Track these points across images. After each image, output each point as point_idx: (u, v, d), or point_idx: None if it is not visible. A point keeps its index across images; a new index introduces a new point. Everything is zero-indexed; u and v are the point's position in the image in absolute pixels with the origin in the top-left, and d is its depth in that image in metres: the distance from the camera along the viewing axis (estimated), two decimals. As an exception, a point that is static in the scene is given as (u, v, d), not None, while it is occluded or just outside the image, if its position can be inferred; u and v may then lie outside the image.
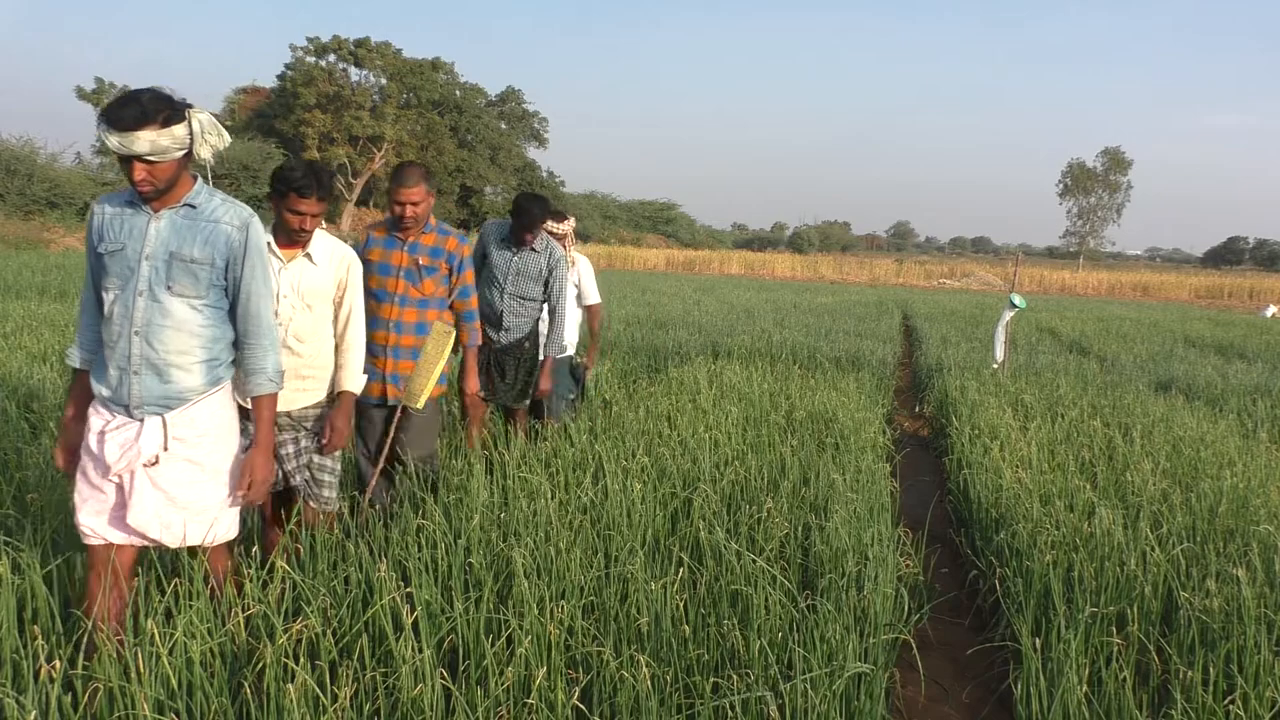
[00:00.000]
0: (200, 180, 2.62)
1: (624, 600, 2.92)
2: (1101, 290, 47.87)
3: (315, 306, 3.22)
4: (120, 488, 2.59)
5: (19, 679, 2.33)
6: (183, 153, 2.47)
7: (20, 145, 32.76)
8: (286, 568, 2.83)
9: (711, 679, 2.53)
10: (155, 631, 2.34)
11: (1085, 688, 2.70)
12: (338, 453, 3.34)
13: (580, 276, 5.66)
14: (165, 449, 2.58)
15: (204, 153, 2.50)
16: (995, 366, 9.16)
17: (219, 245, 2.59)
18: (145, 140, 2.36)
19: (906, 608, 3.35)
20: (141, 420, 2.56)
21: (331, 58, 52.05)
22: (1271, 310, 28.94)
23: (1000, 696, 3.16)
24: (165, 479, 2.58)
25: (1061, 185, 74.04)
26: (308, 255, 3.20)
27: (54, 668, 2.21)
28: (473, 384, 4.34)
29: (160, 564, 2.98)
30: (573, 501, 3.72)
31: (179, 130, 2.42)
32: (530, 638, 2.51)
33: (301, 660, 2.33)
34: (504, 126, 60.37)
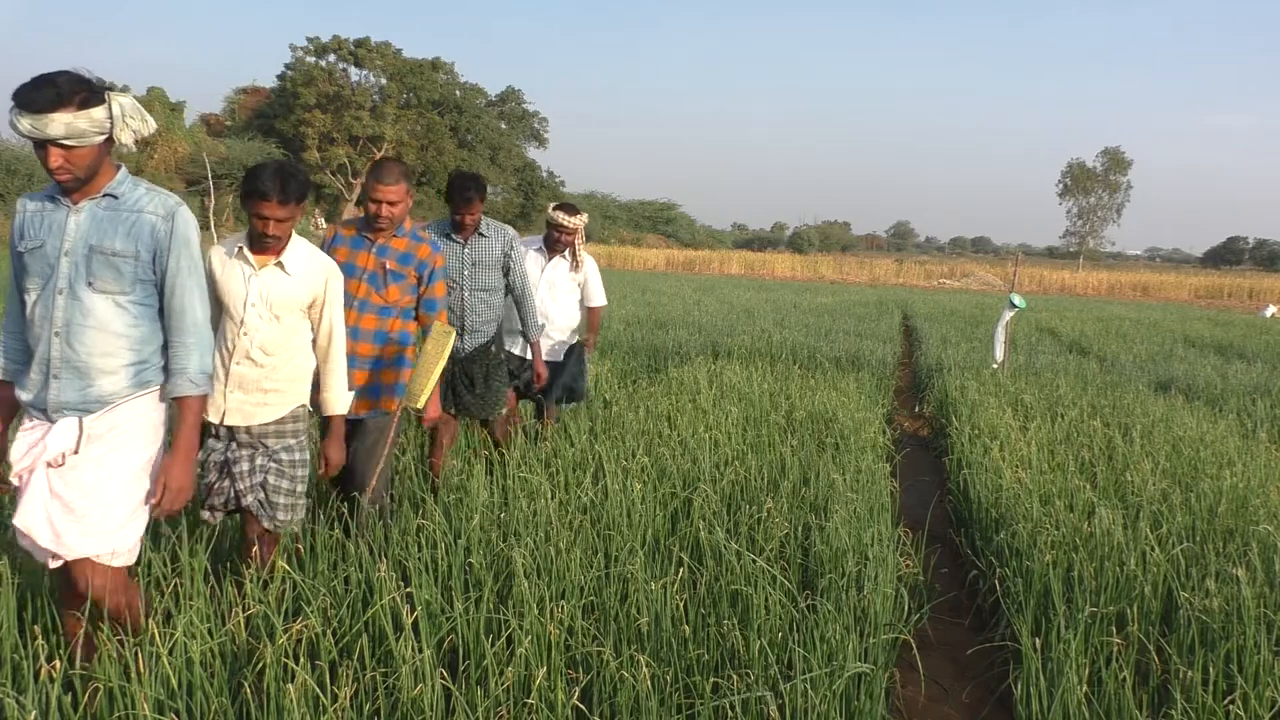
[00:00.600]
0: (124, 169, 2.46)
1: (624, 600, 2.92)
2: (1101, 290, 47.87)
3: (284, 318, 3.01)
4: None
5: (19, 679, 2.33)
6: (102, 137, 2.31)
7: (20, 145, 32.80)
8: (286, 568, 2.83)
9: (711, 679, 2.53)
10: (155, 631, 2.34)
11: (1085, 688, 2.70)
12: (298, 473, 3.10)
13: (587, 277, 5.41)
14: (76, 451, 2.40)
15: (125, 137, 2.34)
16: (995, 366, 9.16)
17: (143, 237, 2.42)
18: (60, 123, 2.22)
19: (906, 608, 3.35)
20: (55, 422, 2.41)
21: (331, 58, 52.10)
22: (1271, 310, 28.94)
23: (1000, 696, 3.16)
24: (67, 484, 2.39)
25: (1061, 185, 74.08)
26: (280, 264, 2.99)
27: (54, 668, 2.21)
28: (435, 407, 3.93)
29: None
30: (573, 501, 3.72)
31: (97, 113, 2.27)
32: (530, 638, 2.52)
33: (301, 660, 2.33)
34: (504, 126, 60.42)
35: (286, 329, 3.02)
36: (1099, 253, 78.08)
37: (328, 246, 3.67)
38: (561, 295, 5.22)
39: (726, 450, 4.71)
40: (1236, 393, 8.36)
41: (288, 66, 51.99)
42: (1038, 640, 2.88)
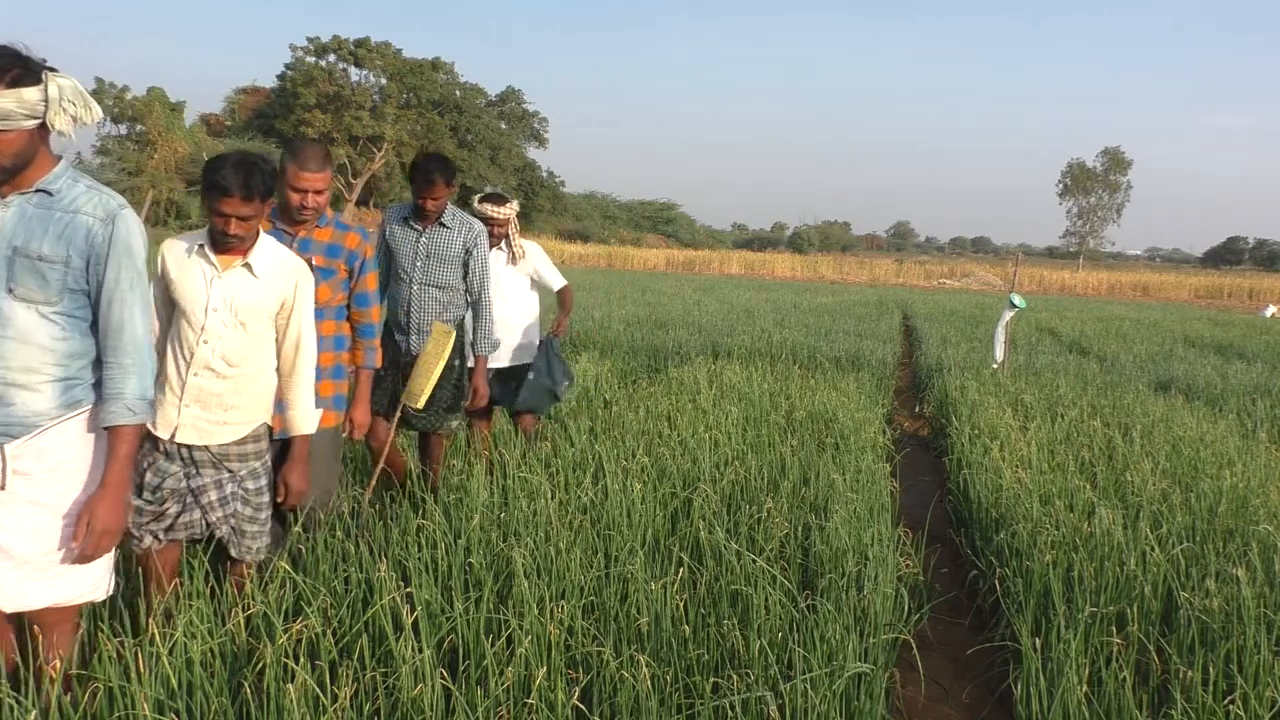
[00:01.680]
0: (65, 163, 2.19)
1: (624, 600, 2.92)
2: (1101, 290, 47.89)
3: (250, 325, 2.71)
4: None
5: (19, 679, 2.33)
6: (35, 122, 2.05)
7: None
8: (286, 568, 2.83)
9: (711, 679, 2.53)
10: (155, 631, 2.34)
11: (1085, 688, 2.70)
12: (264, 499, 2.86)
13: (535, 266, 4.86)
14: (2, 487, 2.13)
15: (60, 123, 2.08)
16: (995, 366, 9.16)
17: (76, 241, 2.14)
18: None
19: (906, 608, 3.35)
20: None
21: (331, 58, 52.15)
22: (1271, 310, 28.94)
23: (1000, 696, 3.16)
24: (1, 526, 2.14)
25: (1061, 185, 74.13)
26: (247, 265, 2.69)
27: (54, 667, 2.21)
28: (361, 414, 3.48)
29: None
30: (573, 501, 3.72)
31: (30, 94, 2.00)
32: (530, 638, 2.51)
33: (301, 660, 2.33)
34: (504, 126, 60.47)
35: (253, 338, 2.73)
36: (1099, 253, 78.11)
37: None
38: (506, 291, 4.71)
39: (726, 450, 4.71)
40: (1236, 393, 8.37)
41: (288, 66, 52.06)
42: (1038, 640, 2.88)
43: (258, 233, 2.74)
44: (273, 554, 3.04)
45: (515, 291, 4.79)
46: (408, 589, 2.74)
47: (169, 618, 2.57)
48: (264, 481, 2.86)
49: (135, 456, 2.30)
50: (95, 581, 2.31)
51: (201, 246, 2.68)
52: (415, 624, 2.63)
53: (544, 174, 62.58)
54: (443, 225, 4.05)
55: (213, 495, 2.76)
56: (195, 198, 39.70)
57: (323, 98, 50.27)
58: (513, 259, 4.76)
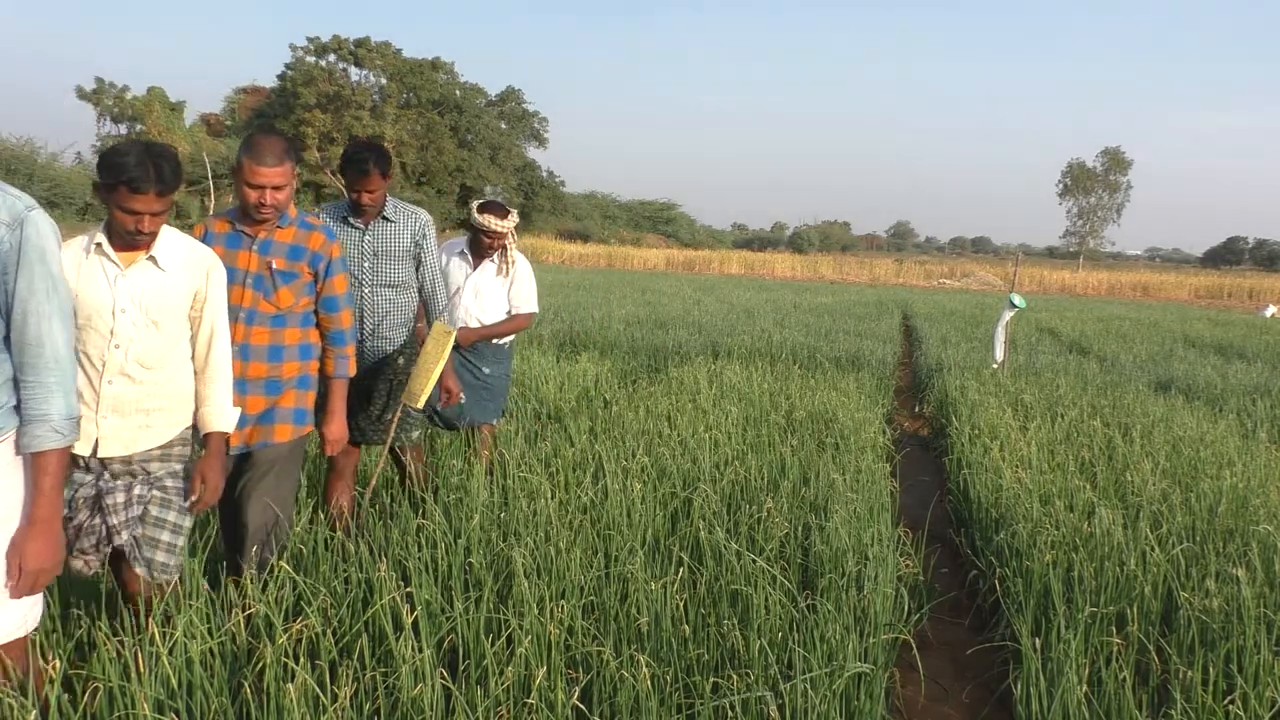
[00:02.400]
0: None
1: (624, 600, 2.92)
2: (1101, 290, 47.87)
3: (164, 323, 2.51)
4: None
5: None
6: None
7: (20, 145, 32.89)
8: (286, 568, 2.83)
9: (711, 679, 2.53)
10: (155, 631, 2.34)
11: (1085, 688, 2.70)
12: (185, 504, 2.63)
13: (514, 283, 4.52)
14: None
15: None
16: (995, 366, 9.16)
17: None
18: None
19: (906, 608, 3.36)
20: None
21: (331, 58, 52.17)
22: (1271, 310, 28.94)
23: (1000, 696, 3.16)
24: None
25: (1061, 185, 74.09)
26: (153, 259, 2.48)
27: (54, 667, 2.21)
28: (337, 428, 3.27)
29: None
30: (573, 501, 3.72)
31: None
32: (530, 638, 2.52)
33: (301, 660, 2.33)
34: (504, 126, 60.50)
35: (168, 337, 2.54)
36: (1099, 253, 78.10)
37: None
38: (489, 303, 4.47)
39: (726, 450, 4.71)
40: (1236, 393, 8.37)
41: (288, 66, 52.07)
42: (1038, 640, 2.88)
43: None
44: (270, 554, 2.98)
45: (495, 304, 4.50)
46: (408, 589, 2.74)
47: (169, 618, 2.57)
48: (185, 484, 2.65)
49: (63, 484, 2.12)
50: (23, 616, 2.13)
51: (99, 245, 2.45)
52: (415, 624, 2.63)
53: (544, 174, 62.62)
54: (385, 219, 3.74)
55: (120, 496, 2.54)
56: (195, 198, 39.76)
57: (323, 98, 50.27)
58: (504, 271, 4.50)
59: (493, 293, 4.50)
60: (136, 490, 2.55)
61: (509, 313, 4.54)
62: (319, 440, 3.44)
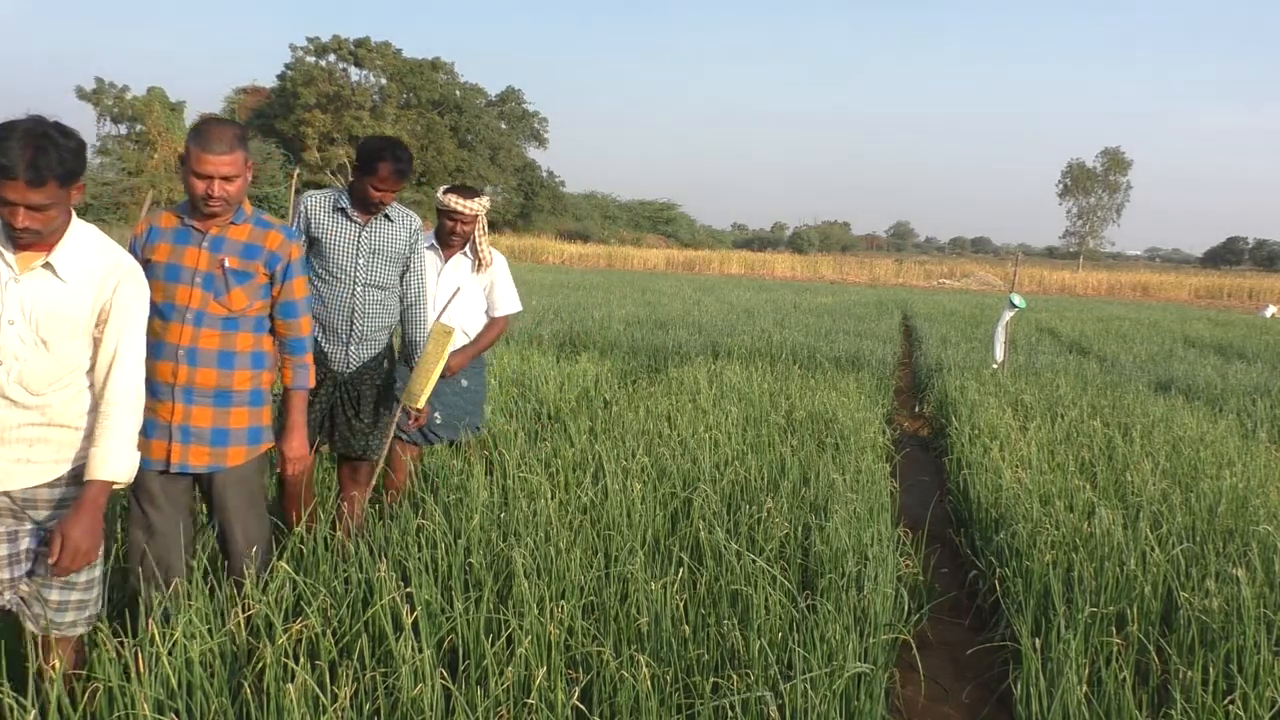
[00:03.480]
0: None
1: (624, 600, 2.92)
2: (1101, 290, 47.90)
3: (55, 343, 2.17)
4: None
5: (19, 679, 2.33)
6: None
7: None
8: (286, 568, 2.83)
9: (711, 679, 2.53)
10: (155, 631, 2.34)
11: (1085, 688, 2.70)
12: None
13: (493, 283, 4.21)
14: None
15: None
16: (995, 366, 9.16)
17: None
18: None
19: (906, 608, 3.36)
20: None
21: (331, 58, 52.21)
22: (1271, 310, 28.95)
23: (1000, 696, 3.16)
24: None
25: (1061, 185, 74.19)
26: (50, 265, 2.15)
27: (53, 667, 2.21)
28: (298, 445, 2.96)
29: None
30: (573, 501, 3.72)
31: None
32: (530, 638, 2.52)
33: (301, 660, 2.33)
34: (504, 126, 60.52)
35: (59, 359, 2.18)
36: (1099, 253, 78.15)
37: (141, 244, 2.73)
38: (464, 301, 4.09)
39: (726, 450, 4.71)
40: (1236, 393, 8.37)
41: (288, 66, 52.09)
42: (1038, 640, 2.88)
43: (66, 224, 2.18)
44: (257, 562, 2.80)
45: (470, 303, 4.18)
46: (408, 589, 2.74)
47: (169, 618, 2.57)
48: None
49: None
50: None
51: None
52: (415, 624, 2.63)
53: (544, 174, 62.65)
54: (386, 218, 3.54)
55: (1, 551, 2.18)
56: (195, 198, 39.63)
57: (323, 98, 50.30)
58: (478, 266, 4.16)
59: (468, 289, 4.15)
60: (23, 545, 2.23)
61: (488, 313, 4.28)
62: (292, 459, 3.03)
